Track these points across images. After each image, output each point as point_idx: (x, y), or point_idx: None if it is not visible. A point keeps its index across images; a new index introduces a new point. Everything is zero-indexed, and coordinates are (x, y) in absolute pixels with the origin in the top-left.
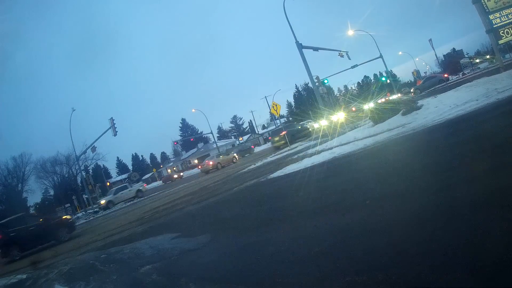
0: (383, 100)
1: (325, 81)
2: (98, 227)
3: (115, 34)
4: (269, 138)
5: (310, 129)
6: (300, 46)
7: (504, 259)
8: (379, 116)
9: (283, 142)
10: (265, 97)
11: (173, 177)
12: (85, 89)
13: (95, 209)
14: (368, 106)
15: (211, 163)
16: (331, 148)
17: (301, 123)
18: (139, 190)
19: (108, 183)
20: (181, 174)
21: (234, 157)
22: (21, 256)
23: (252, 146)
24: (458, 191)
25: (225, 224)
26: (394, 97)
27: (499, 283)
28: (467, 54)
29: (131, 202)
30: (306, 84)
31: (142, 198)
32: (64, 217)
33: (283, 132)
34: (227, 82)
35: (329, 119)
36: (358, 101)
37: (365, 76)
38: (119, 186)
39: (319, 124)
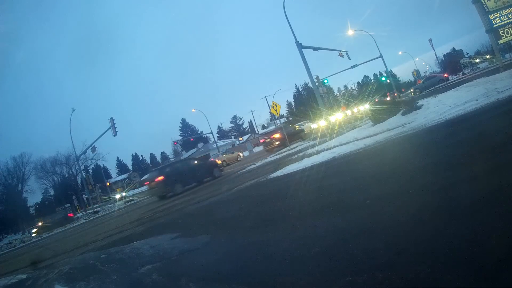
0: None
1: (325, 81)
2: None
3: (115, 34)
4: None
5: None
6: (300, 46)
7: (505, 259)
8: (380, 115)
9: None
10: (265, 97)
11: None
12: (85, 89)
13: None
14: None
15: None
16: (330, 148)
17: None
18: None
19: (108, 183)
20: None
21: (239, 155)
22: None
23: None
24: (458, 190)
25: (225, 224)
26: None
27: (500, 283)
28: (467, 54)
29: None
30: (306, 84)
31: None
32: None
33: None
34: (227, 82)
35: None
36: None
37: (365, 76)
38: None
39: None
